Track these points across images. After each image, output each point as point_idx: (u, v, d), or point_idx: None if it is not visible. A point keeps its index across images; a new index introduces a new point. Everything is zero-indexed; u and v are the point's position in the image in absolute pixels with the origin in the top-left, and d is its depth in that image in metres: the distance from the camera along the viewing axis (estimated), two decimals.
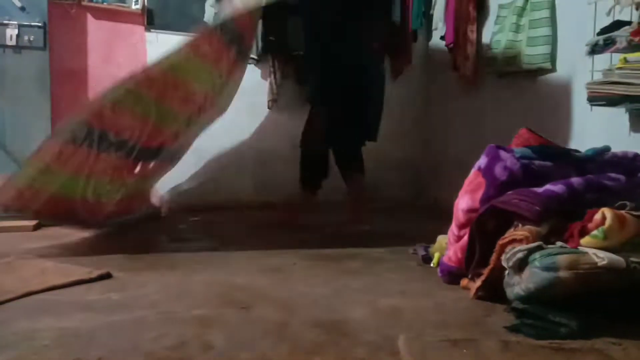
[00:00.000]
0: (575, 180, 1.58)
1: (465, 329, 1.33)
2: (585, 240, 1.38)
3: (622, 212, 1.42)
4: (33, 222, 2.61)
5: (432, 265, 1.97)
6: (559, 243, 1.42)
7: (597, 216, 1.40)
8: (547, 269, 1.31)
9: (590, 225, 1.41)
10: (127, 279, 1.76)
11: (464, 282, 1.69)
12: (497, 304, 1.50)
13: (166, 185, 3.31)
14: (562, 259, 1.31)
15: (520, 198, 1.53)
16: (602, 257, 1.29)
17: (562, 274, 1.29)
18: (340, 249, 2.30)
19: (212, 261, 2.05)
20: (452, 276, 1.75)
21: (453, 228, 1.79)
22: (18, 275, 1.73)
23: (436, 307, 1.51)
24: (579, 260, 1.30)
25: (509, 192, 1.60)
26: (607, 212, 1.39)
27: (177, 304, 1.51)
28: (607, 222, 1.37)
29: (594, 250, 1.32)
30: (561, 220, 1.51)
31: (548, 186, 1.56)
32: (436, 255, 1.98)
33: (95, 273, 1.75)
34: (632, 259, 1.31)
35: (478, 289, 1.57)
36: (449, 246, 1.81)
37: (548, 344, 1.22)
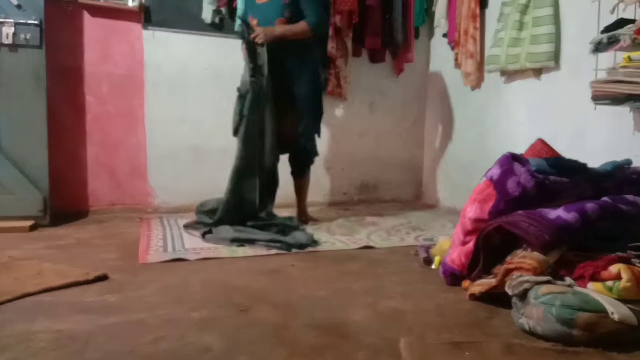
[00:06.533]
0: (590, 206, 1.50)
1: (468, 332, 1.32)
2: (596, 286, 1.32)
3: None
4: (29, 223, 2.59)
5: (433, 267, 1.96)
6: (568, 279, 1.36)
7: (613, 270, 1.32)
8: (563, 322, 1.21)
9: (604, 274, 1.34)
10: (124, 280, 1.75)
11: (466, 283, 1.67)
12: (499, 307, 1.49)
13: (165, 184, 3.29)
14: (583, 318, 1.20)
15: (529, 222, 1.47)
16: (613, 312, 1.19)
17: (577, 332, 1.20)
18: (339, 250, 2.28)
19: (211, 263, 2.03)
20: (454, 278, 1.73)
21: (459, 231, 1.76)
22: (14, 277, 1.71)
23: (438, 309, 1.50)
24: (599, 323, 1.19)
25: (519, 212, 1.54)
26: (623, 271, 1.30)
27: (175, 307, 1.49)
28: (623, 282, 1.29)
29: (610, 301, 1.24)
30: (571, 250, 1.46)
31: (560, 212, 1.49)
32: (437, 259, 1.96)
33: (92, 274, 1.73)
34: None
35: (473, 296, 1.55)
36: (453, 247, 1.78)
37: (551, 346, 1.21)
